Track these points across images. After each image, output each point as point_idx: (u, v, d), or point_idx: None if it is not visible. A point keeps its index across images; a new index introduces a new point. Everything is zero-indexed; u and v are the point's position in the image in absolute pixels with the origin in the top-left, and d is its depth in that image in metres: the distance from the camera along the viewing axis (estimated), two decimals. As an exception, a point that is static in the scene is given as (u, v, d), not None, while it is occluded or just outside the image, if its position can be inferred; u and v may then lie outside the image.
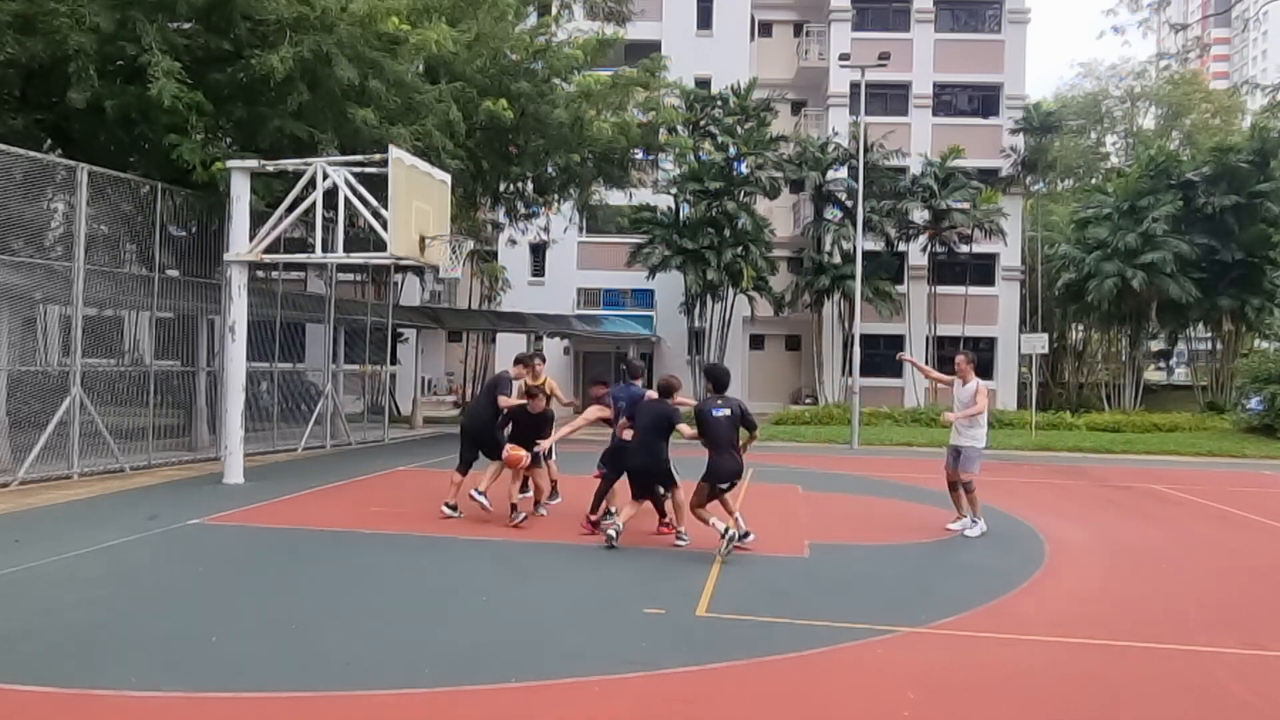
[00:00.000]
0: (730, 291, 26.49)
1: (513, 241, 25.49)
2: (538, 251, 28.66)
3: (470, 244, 19.25)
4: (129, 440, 11.92)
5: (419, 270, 23.70)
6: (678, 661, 4.67)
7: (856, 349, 20.63)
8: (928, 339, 28.88)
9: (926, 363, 28.71)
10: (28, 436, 10.58)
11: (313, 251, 11.45)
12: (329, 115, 12.04)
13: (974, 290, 29.09)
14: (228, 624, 5.15)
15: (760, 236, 25.73)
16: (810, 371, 29.77)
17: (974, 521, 8.59)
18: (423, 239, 10.50)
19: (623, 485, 8.02)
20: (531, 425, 8.53)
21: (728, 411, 7.26)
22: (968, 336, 28.85)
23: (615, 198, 22.78)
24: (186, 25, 11.56)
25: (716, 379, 7.70)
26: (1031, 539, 8.52)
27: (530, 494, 8.89)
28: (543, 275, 29.61)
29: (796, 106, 32.23)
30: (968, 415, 8.50)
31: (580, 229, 27.54)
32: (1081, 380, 35.22)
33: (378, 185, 10.40)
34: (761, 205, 26.97)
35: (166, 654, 4.62)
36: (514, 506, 8.33)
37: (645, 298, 29.22)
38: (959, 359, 8.87)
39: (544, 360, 9.30)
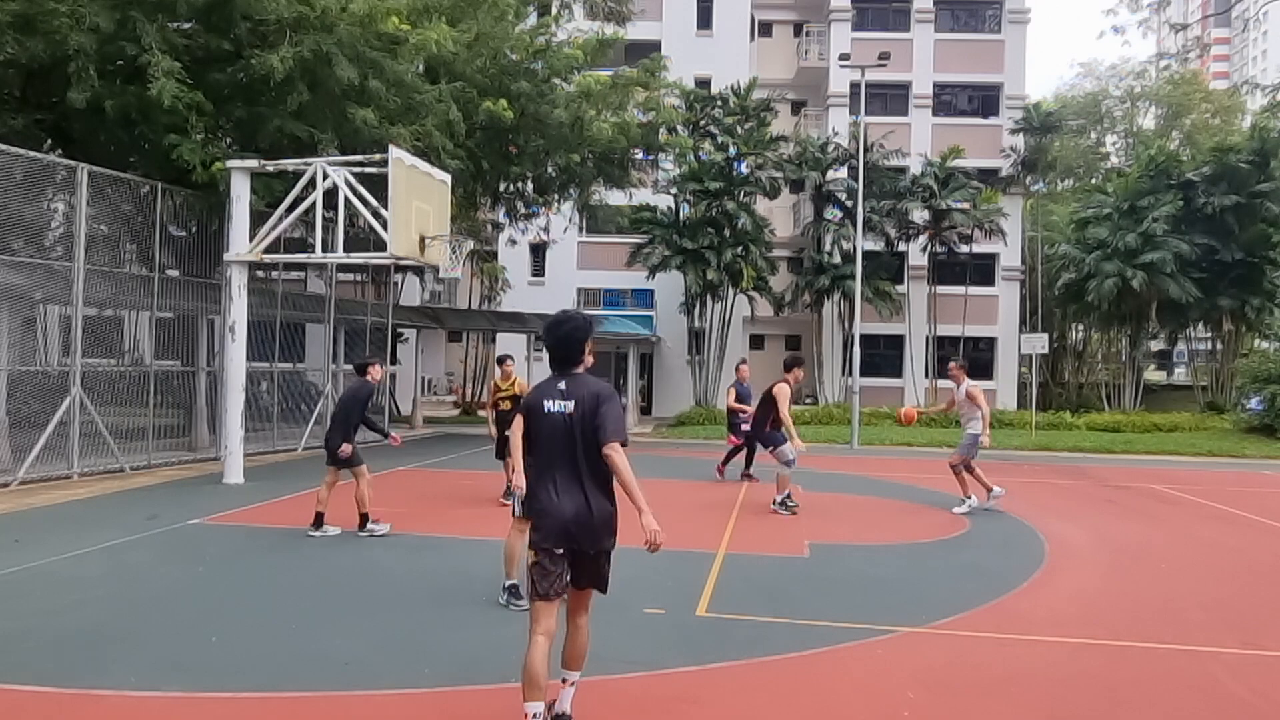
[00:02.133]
0: (730, 291, 26.47)
1: (513, 241, 25.49)
2: (538, 251, 28.64)
3: (470, 244, 19.31)
4: (129, 440, 11.93)
5: (419, 270, 23.73)
6: (678, 661, 4.67)
7: (856, 349, 20.64)
8: (928, 339, 28.87)
9: (925, 362, 28.80)
10: (28, 436, 10.59)
11: (313, 251, 11.47)
12: (329, 115, 12.04)
13: (974, 290, 29.07)
14: (228, 624, 5.15)
15: (760, 236, 25.72)
16: (810, 371, 29.74)
17: (962, 500, 9.83)
18: (423, 239, 10.51)
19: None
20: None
21: (571, 405, 3.63)
22: (968, 336, 28.85)
23: (615, 198, 22.76)
24: (186, 25, 11.57)
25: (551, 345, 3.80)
26: (1031, 539, 8.53)
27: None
28: (543, 275, 29.60)
29: (796, 106, 32.21)
30: (986, 423, 9.75)
31: (580, 229, 27.51)
32: (1081, 380, 35.21)
33: (378, 185, 10.41)
34: (761, 205, 26.95)
35: (166, 654, 4.62)
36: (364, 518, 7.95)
37: (645, 298, 29.21)
38: (951, 365, 10.22)
39: (514, 361, 9.91)
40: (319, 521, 7.87)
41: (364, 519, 7.92)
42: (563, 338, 3.71)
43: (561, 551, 3.57)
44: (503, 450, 9.21)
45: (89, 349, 12.32)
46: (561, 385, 3.66)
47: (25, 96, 12.11)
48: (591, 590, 3.72)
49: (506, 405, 9.45)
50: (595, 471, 3.57)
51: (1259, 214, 26.61)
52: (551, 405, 3.63)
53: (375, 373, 8.31)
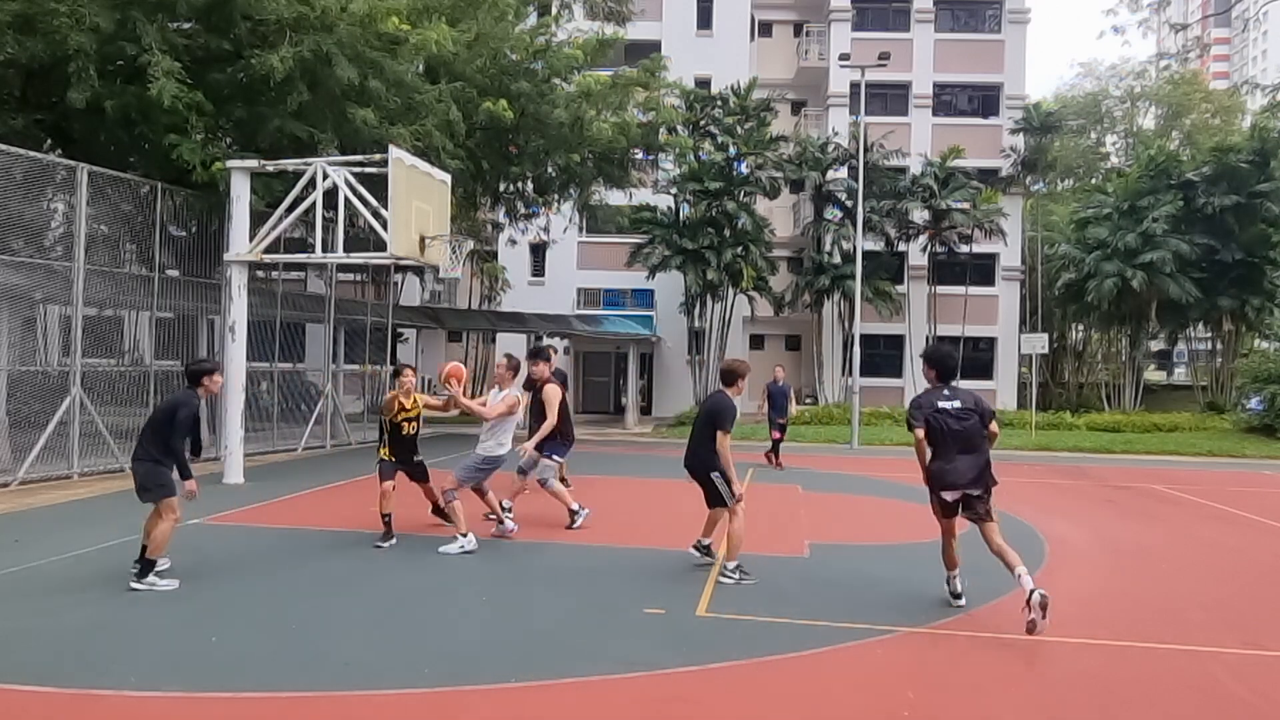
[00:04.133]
0: (730, 291, 26.47)
1: (513, 241, 25.50)
2: (538, 251, 28.63)
3: (470, 244, 19.26)
4: (129, 440, 11.88)
5: (419, 270, 23.73)
6: (678, 661, 4.67)
7: (856, 349, 20.63)
8: (928, 339, 28.84)
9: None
10: (28, 436, 10.59)
11: (313, 251, 11.46)
12: (329, 115, 12.05)
13: (974, 290, 29.07)
14: (228, 624, 5.15)
15: (760, 236, 25.71)
16: (810, 371, 29.76)
17: (461, 536, 7.27)
18: (423, 239, 10.51)
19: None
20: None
21: (957, 404, 5.72)
22: (968, 336, 28.85)
23: (615, 198, 22.75)
24: (186, 25, 11.58)
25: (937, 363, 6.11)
26: (1031, 539, 8.52)
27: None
28: (543, 275, 29.59)
29: (796, 106, 32.21)
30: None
31: (580, 229, 27.50)
32: (1081, 380, 35.20)
33: (378, 185, 10.41)
34: (761, 205, 26.95)
35: (166, 654, 4.62)
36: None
37: (645, 298, 29.20)
38: (498, 363, 8.08)
39: (414, 370, 8.30)
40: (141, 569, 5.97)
41: (147, 564, 5.84)
42: (951, 362, 6.30)
43: (955, 497, 5.74)
44: (415, 473, 7.83)
45: (89, 349, 12.32)
46: (946, 392, 5.79)
47: (25, 96, 12.11)
48: (987, 521, 5.73)
49: (411, 429, 7.74)
50: (974, 444, 5.68)
51: (1259, 214, 26.61)
52: (945, 404, 5.70)
53: (213, 384, 6.21)
